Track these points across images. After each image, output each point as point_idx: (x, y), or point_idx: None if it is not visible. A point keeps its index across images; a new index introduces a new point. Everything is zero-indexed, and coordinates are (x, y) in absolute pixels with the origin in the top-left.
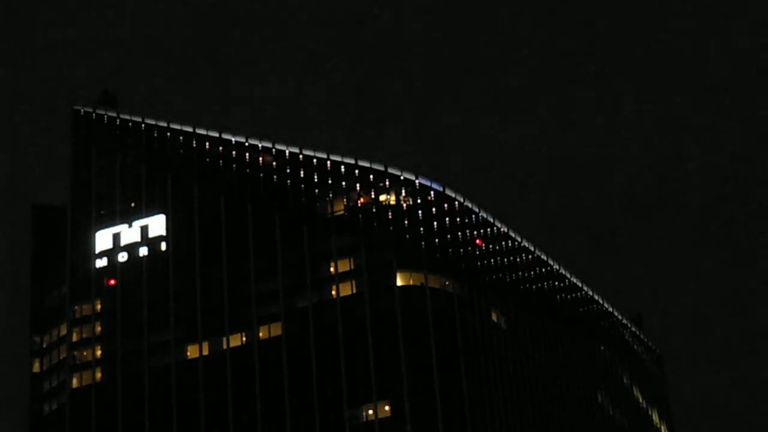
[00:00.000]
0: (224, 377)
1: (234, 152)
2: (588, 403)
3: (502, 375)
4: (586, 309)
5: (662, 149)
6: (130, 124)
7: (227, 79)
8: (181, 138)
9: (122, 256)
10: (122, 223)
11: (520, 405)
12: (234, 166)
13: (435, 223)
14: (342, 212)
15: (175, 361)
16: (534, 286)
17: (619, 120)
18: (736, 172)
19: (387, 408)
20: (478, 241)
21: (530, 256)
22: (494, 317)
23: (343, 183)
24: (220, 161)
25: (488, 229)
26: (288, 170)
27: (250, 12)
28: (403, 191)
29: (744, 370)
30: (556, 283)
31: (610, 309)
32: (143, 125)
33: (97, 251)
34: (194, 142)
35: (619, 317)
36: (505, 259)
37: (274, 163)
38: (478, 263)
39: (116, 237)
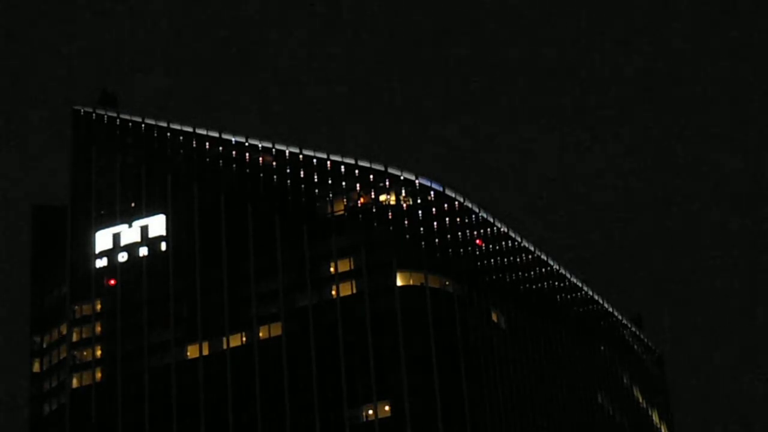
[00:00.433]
0: (224, 377)
1: (234, 152)
2: (588, 403)
3: (502, 375)
4: (586, 309)
5: (662, 149)
6: (130, 124)
7: (227, 79)
8: (181, 138)
9: (122, 256)
10: (122, 223)
11: (520, 405)
12: (234, 166)
13: (435, 223)
14: (342, 212)
15: (175, 361)
16: (534, 286)
17: (620, 120)
18: (736, 171)
19: (387, 408)
20: (478, 241)
21: (530, 256)
22: (494, 317)
23: (343, 183)
24: (220, 161)
25: (488, 229)
26: (288, 170)
27: (250, 12)
28: (403, 191)
29: (744, 371)
30: (556, 283)
31: (610, 309)
32: (143, 125)
33: (97, 251)
34: (194, 142)
35: (619, 317)
36: (505, 259)
37: (274, 163)
38: (478, 263)
39: (116, 237)
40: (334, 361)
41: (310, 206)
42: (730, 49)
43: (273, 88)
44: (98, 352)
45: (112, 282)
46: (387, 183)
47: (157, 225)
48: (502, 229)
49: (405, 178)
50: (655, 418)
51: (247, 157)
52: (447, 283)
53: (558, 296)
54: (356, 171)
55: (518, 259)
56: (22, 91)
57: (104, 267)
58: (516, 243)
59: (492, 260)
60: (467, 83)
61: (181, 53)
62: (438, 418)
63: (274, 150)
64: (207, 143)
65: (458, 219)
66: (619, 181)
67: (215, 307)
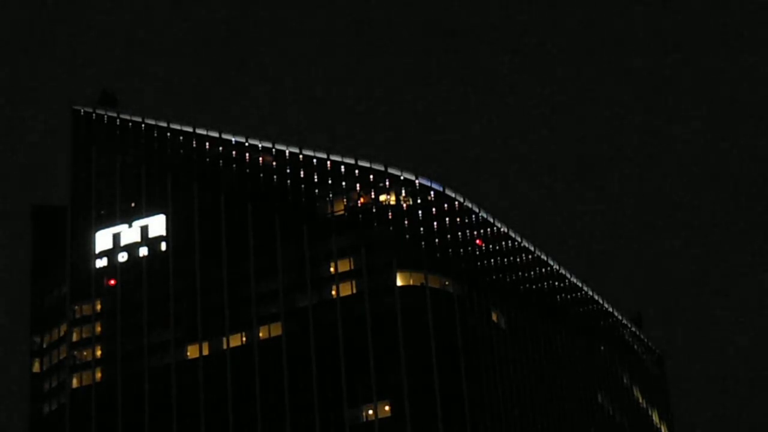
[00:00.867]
0: (224, 377)
1: (234, 152)
2: (588, 403)
3: (502, 375)
4: (586, 309)
5: (662, 148)
6: (130, 124)
7: (227, 79)
8: (181, 138)
9: (122, 256)
10: (122, 223)
11: (520, 405)
12: (234, 166)
13: (435, 223)
14: (342, 212)
15: (175, 361)
16: (534, 286)
17: (620, 120)
18: (736, 171)
19: (387, 408)
20: (478, 241)
21: (530, 256)
22: (494, 317)
23: (343, 183)
24: (220, 161)
25: (488, 229)
26: (288, 170)
27: (250, 12)
28: (403, 191)
29: (744, 370)
30: (556, 283)
31: (610, 309)
32: (143, 125)
33: (97, 251)
34: (194, 142)
35: (619, 317)
36: (505, 259)
37: (274, 163)
38: (478, 263)
39: (116, 237)
40: (334, 361)
41: (310, 206)
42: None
43: (272, 88)
44: (98, 352)
45: (112, 282)
46: (387, 183)
47: (157, 225)
48: (502, 229)
49: (405, 178)
50: (655, 418)
51: (247, 157)
52: (447, 283)
53: (558, 296)
54: (356, 171)
55: (518, 259)
56: (22, 91)
57: (104, 267)
58: (516, 243)
59: (492, 260)
60: (468, 83)
61: (181, 53)
62: (438, 418)
63: (274, 150)
64: (207, 143)
65: (458, 219)
66: (620, 180)
67: (215, 307)
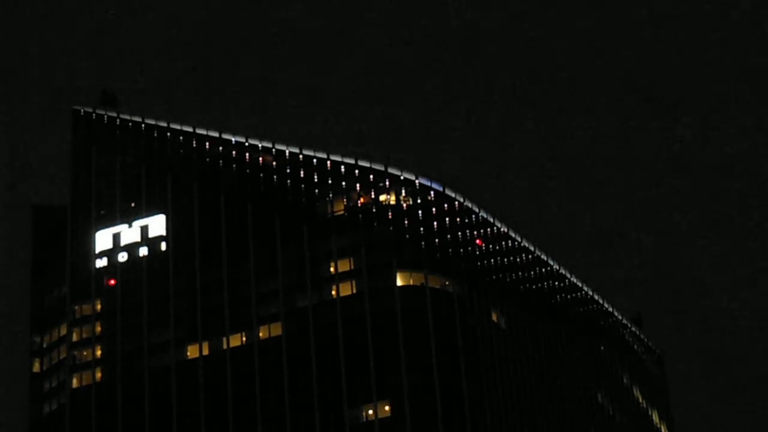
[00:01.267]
0: (224, 377)
1: (234, 152)
2: (588, 403)
3: (502, 375)
4: (586, 309)
5: (662, 148)
6: (130, 124)
7: (227, 79)
8: (181, 138)
9: (122, 256)
10: (122, 223)
11: (520, 405)
12: (234, 166)
13: (435, 223)
14: (342, 212)
15: (175, 361)
16: (534, 286)
17: (619, 120)
18: (736, 171)
19: (387, 408)
20: (478, 241)
21: (530, 256)
22: (494, 317)
23: (343, 183)
24: (220, 161)
25: (488, 229)
26: (288, 170)
27: (250, 12)
28: (403, 191)
29: (744, 370)
30: (556, 283)
31: (610, 309)
32: (143, 125)
33: (97, 251)
34: (194, 142)
35: (619, 317)
36: (505, 259)
37: (274, 163)
38: (478, 263)
39: (116, 237)
40: (334, 361)
41: (310, 206)
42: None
43: (273, 87)
44: (98, 352)
45: (112, 282)
46: (387, 183)
47: (157, 225)
48: (502, 229)
49: (405, 178)
50: (655, 418)
51: (247, 157)
52: (447, 283)
53: (558, 296)
54: (356, 171)
55: (518, 259)
56: (22, 91)
57: (104, 267)
58: (516, 243)
59: (492, 260)
60: (468, 83)
61: (181, 53)
62: (438, 418)
63: (274, 150)
64: (207, 143)
65: (458, 219)
66: (620, 180)
67: (215, 307)
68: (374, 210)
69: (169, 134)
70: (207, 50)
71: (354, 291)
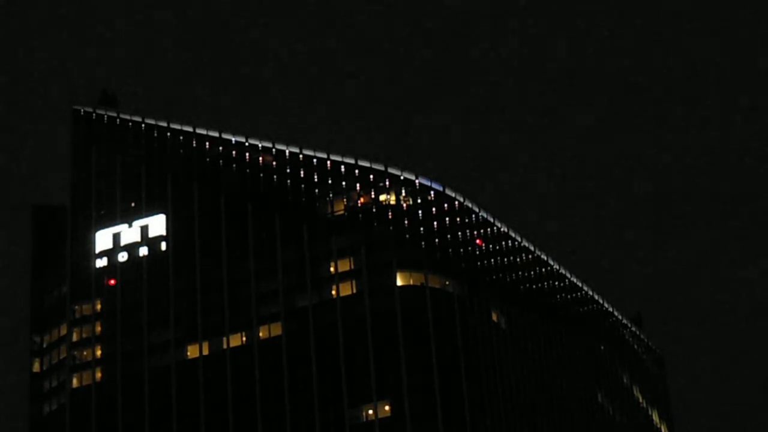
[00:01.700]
0: (224, 377)
1: (234, 152)
2: (588, 403)
3: (502, 375)
4: (586, 309)
5: (662, 149)
6: (130, 124)
7: (227, 79)
8: (181, 138)
9: (122, 256)
10: (122, 223)
11: (520, 405)
12: (234, 166)
13: (435, 223)
14: (342, 212)
15: (175, 361)
16: (534, 286)
17: (618, 120)
18: (736, 171)
19: (387, 408)
20: (478, 241)
21: (530, 256)
22: (494, 317)
23: (343, 183)
24: (220, 161)
25: (488, 229)
26: (288, 170)
27: (250, 12)
28: (403, 191)
29: (744, 370)
30: (556, 283)
31: (610, 309)
32: (143, 125)
33: (97, 251)
34: (194, 142)
35: (619, 317)
36: (505, 259)
37: (274, 163)
38: (478, 263)
39: (116, 237)
40: (334, 361)
41: (310, 206)
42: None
43: (273, 87)
44: (98, 352)
45: (112, 282)
46: (387, 183)
47: (157, 225)
48: (502, 229)
49: (405, 178)
50: (655, 418)
51: (247, 157)
52: (447, 283)
53: (558, 296)
54: (356, 171)
55: (518, 259)
56: (22, 91)
57: (104, 267)
58: (516, 243)
59: (492, 260)
60: (468, 83)
61: (181, 54)
62: (438, 418)
63: (274, 150)
64: (207, 143)
65: (458, 219)
66: (620, 181)
67: (215, 307)
68: (374, 210)
69: (169, 134)
70: (207, 50)
71: (354, 291)
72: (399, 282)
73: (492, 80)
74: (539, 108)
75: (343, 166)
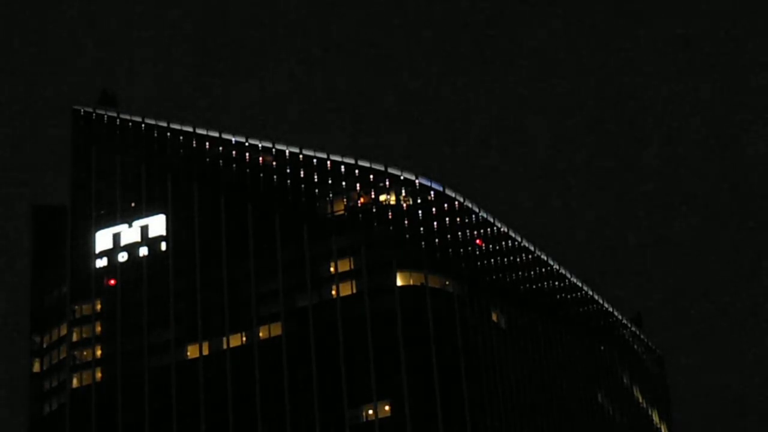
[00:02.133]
0: (224, 377)
1: (234, 152)
2: (588, 403)
3: (502, 375)
4: (586, 309)
5: (661, 148)
6: (130, 124)
7: (227, 79)
8: (181, 138)
9: (122, 256)
10: (122, 223)
11: (520, 405)
12: (234, 166)
13: (435, 223)
14: (342, 212)
15: (175, 361)
16: (534, 286)
17: (618, 120)
18: (737, 171)
19: (387, 408)
20: (478, 241)
21: (530, 256)
22: (494, 317)
23: (343, 183)
24: (220, 161)
25: (488, 229)
26: (288, 170)
27: (250, 12)
28: (403, 191)
29: (744, 370)
30: (556, 283)
31: (610, 309)
32: (143, 125)
33: (97, 251)
34: (194, 142)
35: (619, 317)
36: (505, 259)
37: (274, 163)
38: (478, 263)
39: (116, 237)
40: (334, 361)
41: (310, 206)
42: None
43: (273, 87)
44: (98, 352)
45: (112, 282)
46: (387, 183)
47: (157, 225)
48: (502, 229)
49: (405, 178)
50: (655, 418)
51: (247, 157)
52: (447, 283)
53: (558, 296)
54: (356, 171)
55: (518, 259)
56: (22, 90)
57: (104, 267)
58: (516, 243)
59: (492, 260)
60: (468, 83)
61: (180, 54)
62: (438, 418)
63: (274, 150)
64: (207, 143)
65: (458, 219)
66: (620, 181)
67: (215, 307)
68: (374, 210)
69: (169, 134)
70: (207, 50)
71: (354, 291)
72: (399, 282)
73: (492, 81)
74: (539, 108)
75: (343, 166)
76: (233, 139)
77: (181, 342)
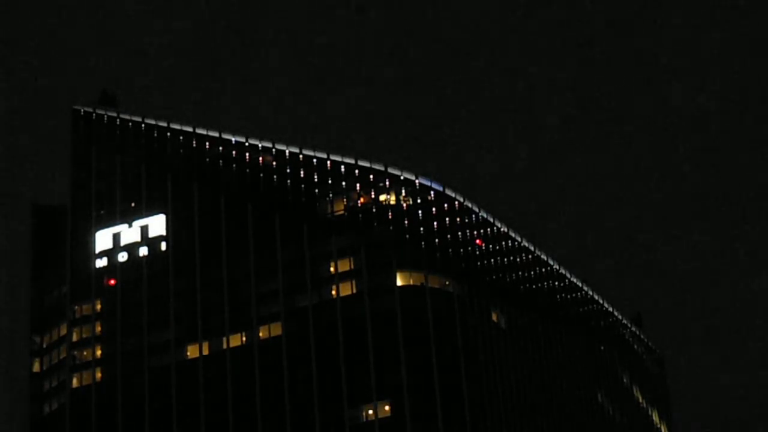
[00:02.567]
0: (224, 377)
1: (234, 152)
2: (588, 403)
3: (502, 375)
4: (586, 309)
5: (661, 149)
6: (130, 124)
7: (227, 79)
8: (181, 138)
9: (122, 256)
10: (122, 223)
11: (520, 405)
12: (234, 166)
13: (435, 223)
14: (342, 212)
15: (175, 361)
16: (534, 286)
17: (619, 121)
18: (736, 172)
19: (387, 408)
20: (478, 241)
21: (530, 256)
22: (494, 317)
23: (343, 183)
24: (220, 161)
25: (488, 229)
26: (288, 170)
27: (250, 12)
28: (403, 191)
29: (744, 370)
30: (556, 283)
31: (610, 309)
32: (143, 125)
33: (97, 251)
34: (194, 142)
35: (619, 317)
36: (505, 259)
37: (274, 163)
38: (478, 263)
39: (116, 237)
40: (334, 361)
41: (310, 206)
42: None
43: (273, 88)
44: (98, 352)
45: (112, 282)
46: (387, 183)
47: (157, 225)
48: (502, 229)
49: (405, 178)
50: (655, 418)
51: (247, 157)
52: (447, 283)
53: (558, 296)
54: (356, 171)
55: (518, 259)
56: (22, 91)
57: (104, 267)
58: (516, 243)
59: (492, 260)
60: (468, 83)
61: (181, 54)
62: (438, 418)
63: (274, 150)
64: (207, 143)
65: (458, 219)
66: (620, 181)
67: (215, 307)
68: (374, 210)
69: (169, 134)
70: (207, 50)
71: (354, 291)
72: (399, 282)
73: (492, 82)
74: (539, 108)
75: (343, 166)
76: (233, 139)
77: (181, 342)
